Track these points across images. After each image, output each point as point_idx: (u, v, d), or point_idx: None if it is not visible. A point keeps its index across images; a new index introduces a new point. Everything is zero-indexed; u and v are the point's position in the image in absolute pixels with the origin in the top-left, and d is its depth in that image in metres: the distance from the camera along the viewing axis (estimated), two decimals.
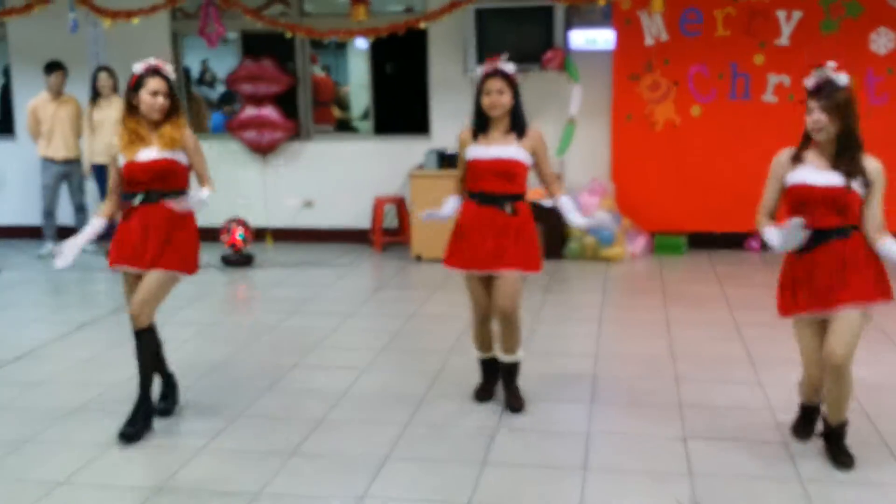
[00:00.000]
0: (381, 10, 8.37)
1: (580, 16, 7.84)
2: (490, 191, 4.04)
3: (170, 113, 4.00)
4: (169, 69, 4.03)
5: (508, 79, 4.02)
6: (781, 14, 7.42)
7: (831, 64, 3.44)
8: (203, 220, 9.25)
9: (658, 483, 3.40)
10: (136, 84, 3.93)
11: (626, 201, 7.80)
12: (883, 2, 7.28)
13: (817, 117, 3.41)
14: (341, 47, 11.42)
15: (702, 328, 5.48)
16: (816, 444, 3.70)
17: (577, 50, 7.86)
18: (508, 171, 4.03)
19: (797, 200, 3.51)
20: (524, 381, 4.36)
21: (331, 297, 6.62)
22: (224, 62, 9.75)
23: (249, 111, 8.47)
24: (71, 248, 4.00)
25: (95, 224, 4.13)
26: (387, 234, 8.40)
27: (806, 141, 3.53)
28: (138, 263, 3.98)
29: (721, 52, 7.57)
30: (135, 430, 3.89)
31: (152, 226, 3.94)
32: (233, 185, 8.87)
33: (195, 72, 11.10)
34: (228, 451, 3.78)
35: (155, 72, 3.95)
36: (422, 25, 7.56)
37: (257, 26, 7.96)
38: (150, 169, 3.93)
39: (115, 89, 8.02)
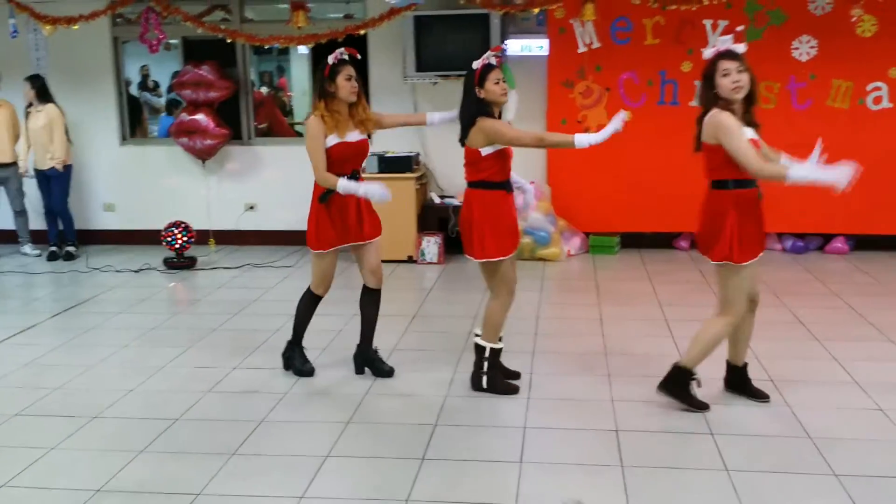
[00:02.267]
0: (321, 17, 8.45)
1: (516, 24, 8.04)
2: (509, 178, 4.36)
3: (360, 96, 4.47)
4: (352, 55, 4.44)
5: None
6: (708, 23, 7.70)
7: (729, 37, 3.94)
8: (144, 223, 9.28)
9: (591, 475, 3.52)
10: (331, 72, 4.35)
11: (561, 203, 8.02)
12: (805, 10, 7.60)
13: (739, 77, 3.82)
14: (284, 53, 11.45)
15: (633, 324, 5.68)
16: (742, 436, 3.89)
17: (514, 57, 8.06)
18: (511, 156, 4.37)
19: None
20: (462, 377, 4.51)
21: (274, 298, 6.68)
22: (167, 68, 9.71)
23: (184, 117, 8.46)
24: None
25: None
26: None
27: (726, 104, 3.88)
28: (359, 237, 4.57)
29: (650, 60, 7.82)
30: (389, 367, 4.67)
31: (360, 201, 4.46)
32: (175, 188, 8.88)
33: (138, 77, 11.01)
34: (169, 453, 3.82)
35: (347, 59, 4.40)
36: (361, 32, 7.67)
37: (198, 32, 7.97)
38: (357, 148, 4.45)
39: (41, 97, 7.99)
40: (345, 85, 4.37)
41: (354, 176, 4.47)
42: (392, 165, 7.80)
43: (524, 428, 4.02)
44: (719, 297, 4.11)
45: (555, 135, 4.66)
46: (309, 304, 4.79)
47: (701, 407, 4.13)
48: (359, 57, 4.53)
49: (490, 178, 4.24)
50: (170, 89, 8.94)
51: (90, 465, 3.73)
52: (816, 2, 7.54)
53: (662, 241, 8.20)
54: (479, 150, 4.21)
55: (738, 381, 4.31)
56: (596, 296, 6.53)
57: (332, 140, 4.40)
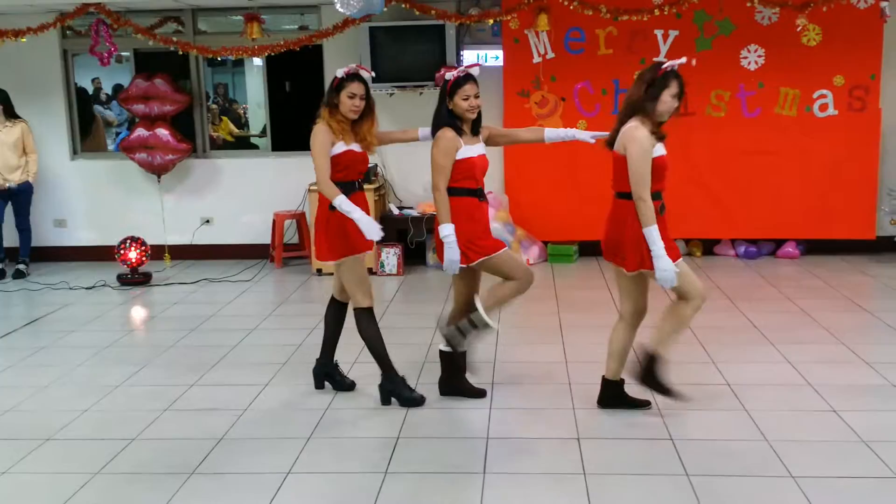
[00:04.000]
0: (276, 29, 8.41)
1: (471, 34, 8.09)
2: (482, 187, 4.39)
3: (364, 114, 4.41)
4: (366, 74, 4.38)
5: (476, 83, 4.31)
6: (659, 33, 7.83)
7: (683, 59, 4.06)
8: (96, 239, 9.12)
9: (555, 484, 3.54)
10: (338, 85, 4.33)
11: (519, 212, 8.07)
12: (752, 20, 7.77)
13: (675, 102, 4.00)
14: (239, 65, 11.37)
15: (593, 332, 5.71)
16: (701, 441, 3.95)
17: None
18: (486, 168, 4.42)
19: (659, 171, 3.99)
20: (423, 390, 4.52)
21: (231, 314, 6.60)
22: (120, 81, 9.57)
23: (141, 132, 8.32)
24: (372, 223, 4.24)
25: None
26: (287, 249, 8.42)
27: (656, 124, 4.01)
28: (368, 246, 4.43)
29: (604, 69, 7.93)
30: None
31: (367, 210, 4.35)
32: (128, 202, 8.74)
33: (89, 90, 10.82)
34: (125, 474, 3.74)
35: (355, 76, 4.33)
36: (315, 41, 7.65)
37: (150, 44, 7.88)
38: (361, 157, 4.44)
39: (8, 113, 7.90)
40: (346, 101, 4.32)
41: (360, 185, 4.47)
42: None
43: (487, 438, 4.02)
44: (676, 293, 4.10)
45: (442, 201, 4.30)
46: (371, 322, 4.47)
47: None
48: (373, 75, 4.46)
49: (460, 185, 4.28)
50: (119, 102, 8.77)
51: (43, 489, 3.63)
52: (763, 12, 7.71)
53: None
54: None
55: (613, 396, 4.33)
56: (555, 304, 6.57)
57: (341, 147, 4.35)
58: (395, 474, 3.66)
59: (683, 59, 4.06)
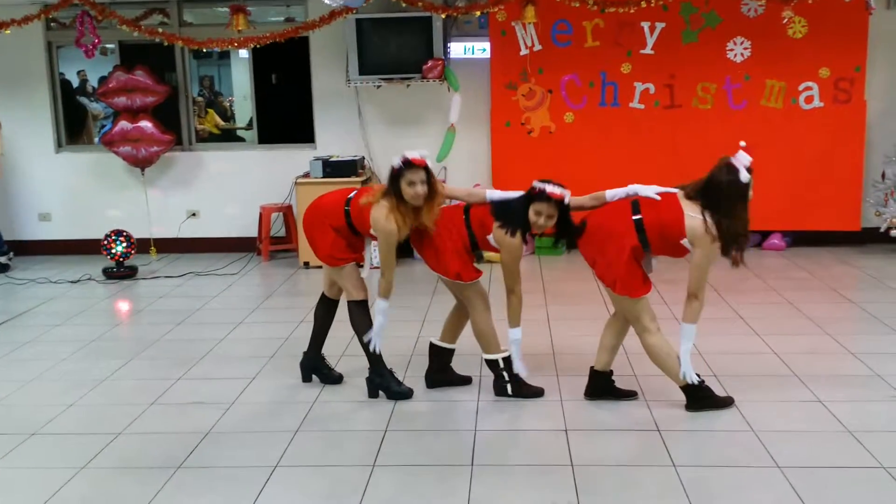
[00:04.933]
0: (261, 20, 8.36)
1: (458, 26, 8.07)
2: None
3: (428, 199, 4.28)
4: (427, 160, 4.25)
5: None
6: (646, 25, 7.83)
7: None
8: (82, 232, 9.05)
9: (542, 475, 3.55)
10: (396, 175, 4.23)
11: None
12: (739, 13, 7.79)
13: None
14: (224, 57, 11.30)
15: (580, 324, 5.74)
16: (687, 432, 3.96)
17: (457, 59, 8.08)
18: None
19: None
20: (411, 381, 4.51)
21: (218, 307, 6.57)
22: (103, 73, 9.49)
23: (124, 125, 8.26)
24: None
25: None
26: (274, 242, 8.39)
27: None
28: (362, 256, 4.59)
29: (591, 62, 7.92)
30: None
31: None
32: (114, 196, 8.68)
33: (76, 83, 10.73)
34: (112, 469, 3.73)
35: (411, 164, 4.21)
36: (301, 33, 7.61)
37: (135, 36, 7.82)
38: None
39: None
40: (407, 191, 4.22)
41: None
42: (337, 169, 7.74)
43: (475, 431, 4.03)
44: (628, 319, 4.19)
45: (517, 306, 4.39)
46: (364, 314, 4.49)
47: (728, 402, 4.20)
48: (426, 153, 4.29)
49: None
50: (98, 96, 8.70)
51: (29, 483, 3.61)
52: (749, 4, 7.73)
53: None
54: None
55: (601, 388, 4.36)
56: (543, 296, 6.58)
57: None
58: (383, 467, 3.66)
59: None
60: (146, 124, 8.24)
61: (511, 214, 4.21)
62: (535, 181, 4.21)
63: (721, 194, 3.96)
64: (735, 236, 3.96)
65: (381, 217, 4.24)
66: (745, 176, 3.94)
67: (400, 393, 4.44)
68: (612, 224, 4.12)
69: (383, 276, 4.33)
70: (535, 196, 4.17)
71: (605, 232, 4.13)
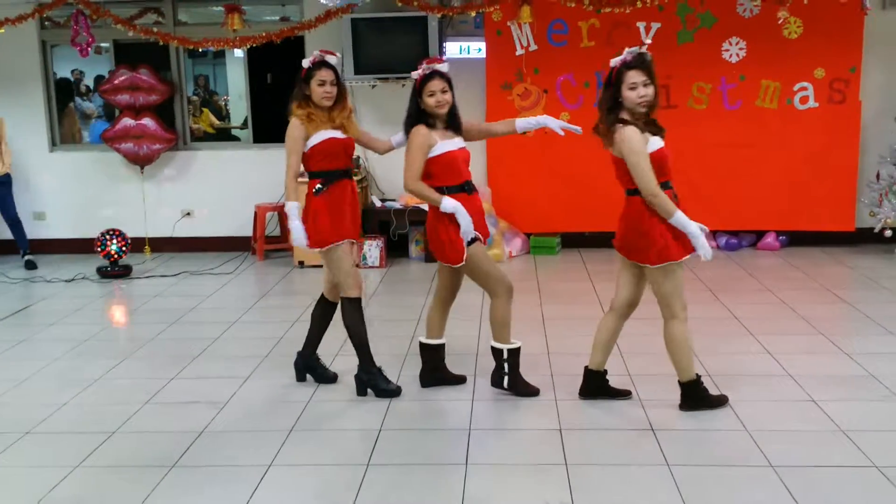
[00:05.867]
0: (256, 20, 8.35)
1: (454, 26, 8.07)
2: (469, 179, 4.31)
3: (337, 100, 4.38)
4: (333, 59, 4.36)
5: (447, 78, 4.27)
6: (641, 25, 7.85)
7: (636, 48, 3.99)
8: (76, 231, 9.04)
9: (537, 474, 3.55)
10: (306, 75, 4.30)
11: (502, 204, 8.07)
12: (734, 13, 7.80)
13: (645, 92, 3.89)
14: (219, 57, 11.29)
15: (575, 324, 5.74)
16: (681, 431, 3.96)
17: (452, 59, 8.07)
18: (468, 159, 4.36)
19: (659, 164, 3.94)
20: (405, 381, 4.50)
21: (212, 307, 6.57)
22: (99, 72, 9.49)
23: (127, 122, 8.27)
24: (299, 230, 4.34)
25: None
26: (269, 242, 8.38)
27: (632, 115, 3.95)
28: (354, 234, 4.46)
29: (586, 62, 7.92)
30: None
31: (352, 197, 4.42)
32: (108, 195, 8.67)
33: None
34: (106, 467, 3.72)
35: (322, 63, 4.31)
36: (297, 33, 7.61)
37: (130, 35, 7.81)
38: (345, 144, 4.41)
39: None
40: (317, 90, 4.30)
41: (349, 173, 4.48)
42: None
43: (469, 430, 4.03)
44: (659, 303, 4.09)
45: (419, 188, 4.25)
46: (357, 312, 4.44)
47: (723, 401, 4.19)
48: (337, 56, 4.42)
49: (442, 183, 4.23)
50: (99, 93, 8.70)
51: (22, 482, 3.61)
52: (745, 4, 7.74)
53: (602, 240, 8.28)
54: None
55: (596, 387, 4.35)
56: (538, 296, 6.58)
57: (319, 136, 4.33)
58: (378, 466, 3.66)
59: (633, 50, 4.01)
60: (149, 122, 8.27)
61: (408, 117, 4.29)
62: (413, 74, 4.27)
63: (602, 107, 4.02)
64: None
65: (291, 123, 4.33)
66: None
67: (388, 391, 4.43)
68: (629, 220, 4.09)
69: (287, 175, 4.34)
70: (421, 83, 4.21)
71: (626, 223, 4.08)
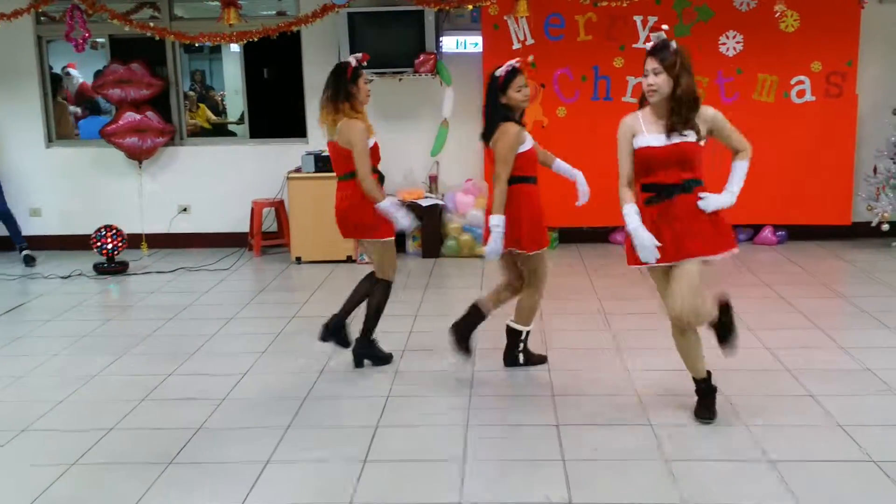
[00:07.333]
0: (253, 14, 8.33)
1: (450, 20, 8.05)
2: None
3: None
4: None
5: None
6: (638, 19, 7.83)
7: (665, 28, 3.92)
8: (73, 227, 9.01)
9: (534, 470, 3.55)
10: (353, 75, 4.54)
11: None
12: (731, 6, 7.79)
13: (654, 80, 3.79)
14: (216, 51, 11.26)
15: (573, 319, 5.75)
16: (679, 426, 3.96)
17: (449, 53, 8.06)
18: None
19: (643, 163, 3.89)
20: (403, 377, 4.50)
21: (209, 302, 6.56)
22: (96, 67, 9.47)
23: (130, 116, 8.26)
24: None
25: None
26: (266, 237, 8.37)
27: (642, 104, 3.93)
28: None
29: (583, 56, 7.92)
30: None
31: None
32: (105, 191, 8.65)
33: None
34: (103, 464, 3.72)
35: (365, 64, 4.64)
36: (294, 29, 7.59)
37: (126, 30, 7.78)
38: (376, 150, 4.65)
39: None
40: (363, 88, 4.59)
41: (381, 179, 4.72)
42: (330, 164, 7.70)
43: (466, 426, 4.03)
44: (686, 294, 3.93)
45: (501, 193, 4.45)
46: (386, 295, 4.82)
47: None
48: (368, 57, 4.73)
49: (521, 173, 4.46)
50: (93, 88, 8.68)
51: (19, 480, 3.60)
52: None
53: (599, 235, 8.31)
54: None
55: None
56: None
57: (371, 141, 4.59)
58: (375, 462, 3.66)
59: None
60: (153, 115, 8.33)
61: (495, 114, 4.45)
62: (493, 73, 4.46)
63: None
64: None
65: (358, 125, 4.52)
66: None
67: (382, 358, 4.88)
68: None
69: (365, 181, 4.52)
70: (505, 80, 4.41)
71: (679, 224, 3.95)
